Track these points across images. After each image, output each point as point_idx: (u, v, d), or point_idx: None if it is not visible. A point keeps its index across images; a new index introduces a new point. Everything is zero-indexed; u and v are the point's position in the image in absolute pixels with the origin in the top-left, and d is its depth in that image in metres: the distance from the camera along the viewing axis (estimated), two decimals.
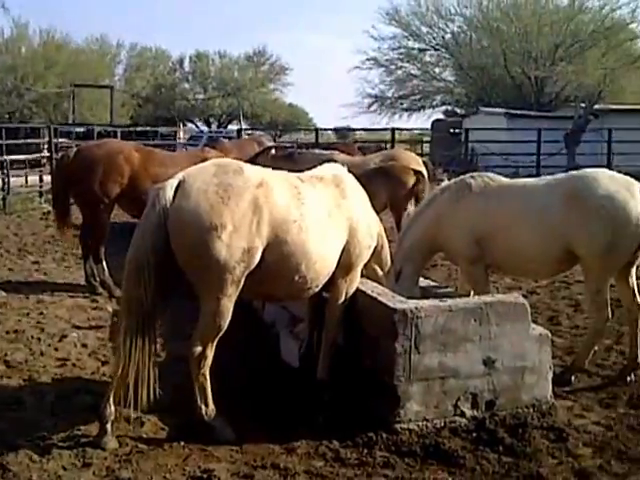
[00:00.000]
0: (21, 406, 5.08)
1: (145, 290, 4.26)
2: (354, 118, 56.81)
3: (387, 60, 42.20)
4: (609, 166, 26.15)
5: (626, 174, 5.89)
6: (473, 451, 4.54)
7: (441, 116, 43.78)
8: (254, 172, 4.60)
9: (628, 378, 5.74)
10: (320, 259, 4.81)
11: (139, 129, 26.31)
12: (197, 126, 53.66)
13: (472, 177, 6.15)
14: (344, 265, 5.04)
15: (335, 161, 10.45)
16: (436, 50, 42.42)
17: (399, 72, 42.71)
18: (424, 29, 42.12)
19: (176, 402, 4.86)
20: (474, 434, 4.76)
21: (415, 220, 6.35)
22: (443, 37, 42.23)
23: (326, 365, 5.26)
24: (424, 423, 4.81)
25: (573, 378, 5.75)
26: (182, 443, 4.57)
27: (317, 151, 12.43)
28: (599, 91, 27.05)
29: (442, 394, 4.85)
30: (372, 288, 5.27)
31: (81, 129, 29.17)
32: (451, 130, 37.41)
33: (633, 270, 5.84)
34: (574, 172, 5.91)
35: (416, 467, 4.37)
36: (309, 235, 4.69)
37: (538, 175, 25.98)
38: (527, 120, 30.33)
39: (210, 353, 4.54)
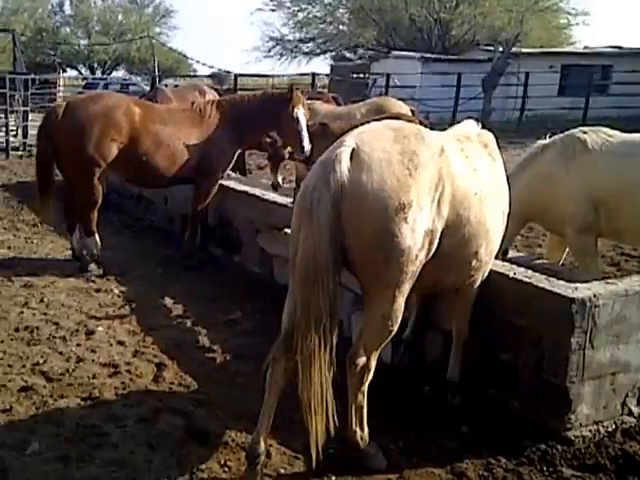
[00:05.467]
0: (105, 439, 3.91)
1: (322, 296, 3.24)
2: (256, 63, 55.71)
3: (291, 1, 40.45)
4: (522, 109, 26.30)
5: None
6: None
7: (331, 62, 42.50)
8: (432, 136, 3.65)
9: None
10: (496, 238, 3.99)
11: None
12: (81, 72, 50.41)
13: (584, 132, 5.37)
14: None
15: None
16: None
17: (301, 15, 41.09)
18: None
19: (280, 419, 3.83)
20: None
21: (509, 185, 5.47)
22: None
23: (458, 363, 4.45)
24: (595, 427, 4.13)
25: None
26: (333, 477, 3.66)
27: None
28: (517, 34, 26.69)
29: (611, 392, 4.17)
30: (511, 269, 4.45)
31: None
32: (354, 75, 36.39)
33: None
34: None
35: None
36: (489, 210, 3.82)
37: (454, 120, 26.01)
38: (442, 64, 29.81)
39: (374, 364, 3.61)
